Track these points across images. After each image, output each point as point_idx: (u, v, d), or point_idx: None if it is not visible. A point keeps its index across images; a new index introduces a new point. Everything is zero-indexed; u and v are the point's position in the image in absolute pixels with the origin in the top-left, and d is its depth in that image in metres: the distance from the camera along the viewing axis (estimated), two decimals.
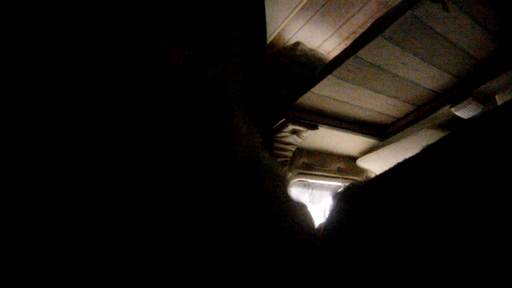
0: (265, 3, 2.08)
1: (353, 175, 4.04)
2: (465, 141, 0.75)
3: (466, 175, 0.68)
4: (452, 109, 3.24)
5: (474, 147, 0.71)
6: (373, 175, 3.26)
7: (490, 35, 2.76)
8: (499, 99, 3.08)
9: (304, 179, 3.73)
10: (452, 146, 0.77)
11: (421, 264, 0.64)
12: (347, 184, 1.00)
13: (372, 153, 3.81)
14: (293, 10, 3.49)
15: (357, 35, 2.83)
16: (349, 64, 2.85)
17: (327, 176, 3.86)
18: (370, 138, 3.68)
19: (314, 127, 3.30)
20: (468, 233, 0.61)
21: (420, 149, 0.82)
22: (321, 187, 4.01)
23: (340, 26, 3.71)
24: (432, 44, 2.74)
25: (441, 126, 3.47)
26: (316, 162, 3.76)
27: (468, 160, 0.70)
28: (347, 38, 3.84)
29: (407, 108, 3.48)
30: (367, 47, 2.70)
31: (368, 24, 2.75)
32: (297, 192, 3.79)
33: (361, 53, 2.75)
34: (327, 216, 0.93)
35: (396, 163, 0.86)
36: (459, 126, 0.79)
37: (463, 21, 2.59)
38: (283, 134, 3.26)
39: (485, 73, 3.05)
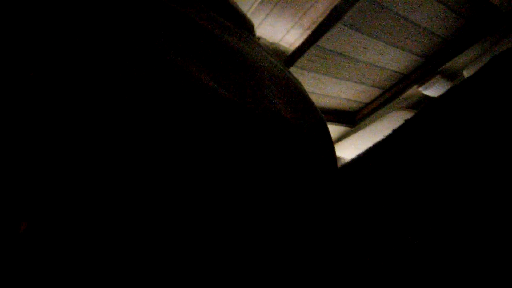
0: None
1: None
2: (432, 118, 0.77)
3: (435, 152, 0.71)
4: (420, 89, 3.11)
5: (441, 122, 0.73)
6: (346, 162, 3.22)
7: (451, 11, 2.60)
8: (467, 74, 2.95)
9: None
10: (420, 124, 0.78)
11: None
12: None
13: (343, 140, 3.68)
14: (252, 6, 3.33)
15: (319, 23, 2.69)
16: (311, 54, 2.70)
17: None
18: (340, 125, 3.53)
19: None
20: (441, 213, 0.65)
21: (390, 132, 0.84)
22: None
23: (300, 17, 3.55)
24: (393, 26, 2.58)
25: (411, 107, 3.36)
26: None
27: (436, 136, 0.72)
28: (309, 28, 3.69)
29: (375, 92, 3.34)
30: (327, 35, 2.55)
31: (329, 11, 2.61)
32: None
33: (321, 42, 2.60)
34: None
35: (367, 148, 0.88)
36: (425, 104, 0.82)
37: None
38: None
39: (451, 50, 2.91)
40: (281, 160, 0.62)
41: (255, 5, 3.31)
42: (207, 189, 0.53)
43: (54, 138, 0.47)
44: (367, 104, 3.51)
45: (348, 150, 3.74)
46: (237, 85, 0.64)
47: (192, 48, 0.64)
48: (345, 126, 3.58)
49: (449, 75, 3.05)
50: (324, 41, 2.60)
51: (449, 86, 2.97)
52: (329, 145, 0.83)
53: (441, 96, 0.79)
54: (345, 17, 2.41)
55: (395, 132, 0.82)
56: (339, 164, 3.00)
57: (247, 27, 0.93)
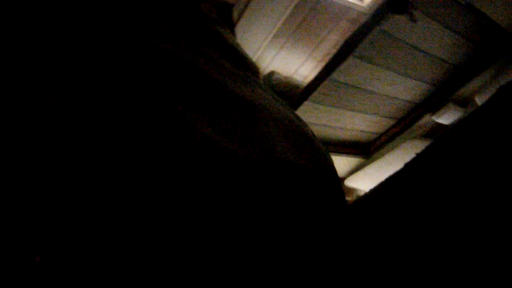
0: (237, 37, 1.96)
1: None
2: (443, 152, 0.76)
3: (448, 184, 0.70)
4: (433, 117, 3.10)
5: (452, 156, 0.73)
6: (362, 194, 3.23)
7: (461, 38, 2.62)
8: (479, 100, 2.94)
9: None
10: (432, 159, 0.78)
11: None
12: None
13: (359, 172, 3.66)
14: (264, 40, 3.35)
15: (331, 56, 2.70)
16: (324, 88, 2.71)
17: None
18: (355, 157, 3.51)
19: None
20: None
21: (402, 166, 0.83)
22: None
23: (313, 50, 3.56)
24: (404, 56, 2.60)
25: (424, 135, 3.35)
26: None
27: (448, 169, 0.71)
28: (322, 60, 3.70)
29: (389, 122, 3.33)
30: (340, 68, 2.56)
31: (341, 44, 2.62)
32: None
33: (335, 75, 2.62)
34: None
35: (379, 183, 0.87)
36: (436, 137, 0.75)
37: (433, 28, 2.46)
38: None
39: (462, 77, 2.92)
40: (286, 202, 0.62)
41: (268, 39, 3.32)
42: (216, 236, 0.53)
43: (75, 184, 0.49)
44: (381, 135, 3.51)
45: (363, 181, 3.72)
46: (241, 135, 0.65)
47: (199, 98, 0.65)
48: (360, 157, 3.59)
49: (461, 102, 3.05)
50: (337, 74, 2.61)
51: (461, 113, 2.99)
52: (335, 183, 0.82)
53: (450, 130, 0.79)
54: (357, 50, 2.44)
55: (406, 166, 0.81)
56: (354, 196, 3.00)
57: (253, 70, 0.94)
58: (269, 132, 0.70)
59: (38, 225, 0.48)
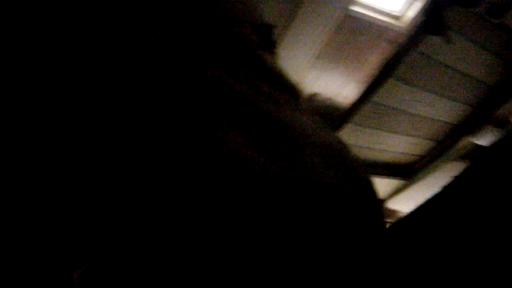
0: (279, 58, 2.00)
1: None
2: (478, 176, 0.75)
3: (485, 206, 0.69)
4: (472, 139, 3.11)
5: (489, 178, 0.72)
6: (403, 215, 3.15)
7: (497, 58, 2.66)
8: None
9: None
10: (469, 181, 0.77)
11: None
12: None
13: (400, 194, 3.65)
14: (307, 62, 3.37)
15: (372, 78, 2.75)
16: (365, 110, 2.79)
17: None
18: (396, 179, 3.52)
19: None
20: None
21: (437, 191, 0.82)
22: None
23: (354, 71, 3.56)
24: (443, 77, 2.65)
25: (464, 157, 3.35)
26: None
27: (486, 191, 0.71)
28: (362, 82, 3.70)
29: (428, 144, 3.35)
30: (380, 90, 2.64)
31: (381, 66, 2.67)
32: None
33: (375, 97, 2.69)
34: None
35: (416, 205, 0.85)
36: (473, 159, 0.77)
37: (469, 49, 2.51)
38: None
39: (499, 97, 2.94)
40: (324, 226, 0.63)
41: (311, 61, 3.31)
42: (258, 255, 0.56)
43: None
44: (421, 157, 3.53)
45: (405, 203, 3.69)
46: (283, 159, 0.66)
47: (240, 122, 0.67)
48: (401, 179, 3.61)
49: (499, 123, 3.04)
50: (378, 97, 2.68)
51: (499, 134, 2.98)
52: (374, 206, 0.83)
53: (486, 152, 0.78)
54: (397, 72, 2.50)
55: (445, 189, 0.81)
56: (395, 218, 2.97)
57: (293, 93, 0.95)
58: (309, 156, 0.71)
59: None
